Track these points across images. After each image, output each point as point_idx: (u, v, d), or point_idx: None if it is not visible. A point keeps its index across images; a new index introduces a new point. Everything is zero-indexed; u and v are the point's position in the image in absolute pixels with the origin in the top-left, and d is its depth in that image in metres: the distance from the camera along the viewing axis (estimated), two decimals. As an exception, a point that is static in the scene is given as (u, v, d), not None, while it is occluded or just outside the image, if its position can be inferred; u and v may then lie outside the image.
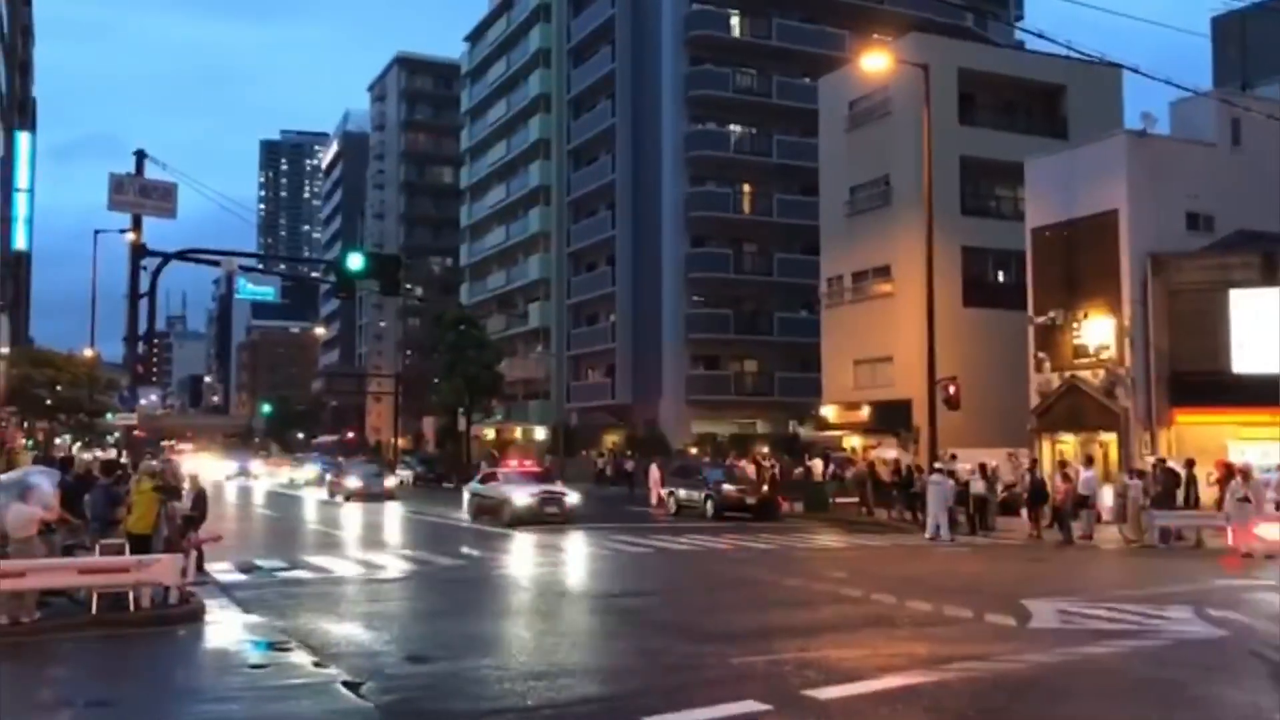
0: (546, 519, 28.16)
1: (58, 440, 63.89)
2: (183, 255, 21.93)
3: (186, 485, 17.11)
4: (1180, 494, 24.52)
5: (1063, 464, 27.52)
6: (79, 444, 69.43)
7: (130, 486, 15.33)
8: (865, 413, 40.12)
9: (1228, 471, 23.31)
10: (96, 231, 47.67)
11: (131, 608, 13.06)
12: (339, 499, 41.34)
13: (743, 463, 36.71)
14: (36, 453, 46.48)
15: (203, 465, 70.56)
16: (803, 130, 51.88)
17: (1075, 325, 31.00)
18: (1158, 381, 29.55)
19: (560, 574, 19.42)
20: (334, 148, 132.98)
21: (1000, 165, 37.89)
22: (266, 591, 16.22)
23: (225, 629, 13.01)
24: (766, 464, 36.97)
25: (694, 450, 48.93)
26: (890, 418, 38.06)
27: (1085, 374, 30.84)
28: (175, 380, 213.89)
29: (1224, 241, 30.94)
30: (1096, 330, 30.58)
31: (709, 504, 31.07)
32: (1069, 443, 31.73)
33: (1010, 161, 35.79)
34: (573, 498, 29.74)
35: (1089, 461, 27.64)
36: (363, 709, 9.04)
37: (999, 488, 27.89)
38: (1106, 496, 26.11)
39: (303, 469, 59.57)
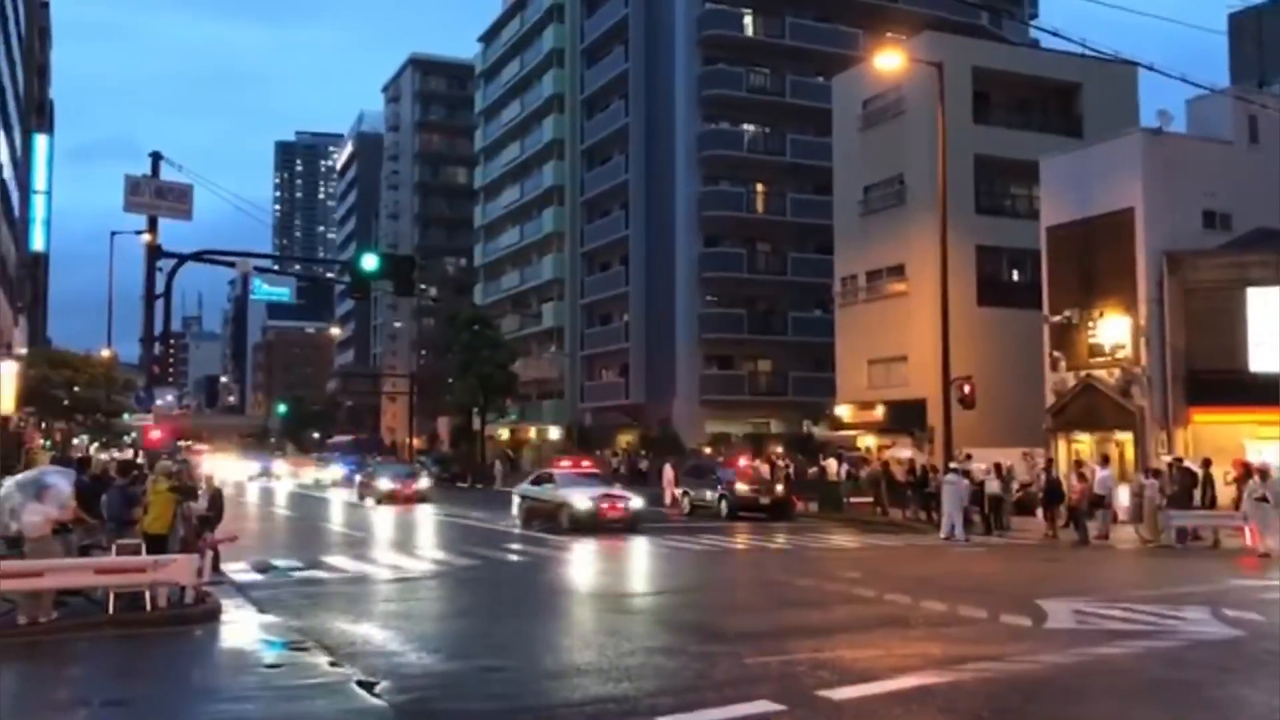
0: (608, 524, 26.36)
1: (75, 440, 64.23)
2: (198, 256, 22.04)
3: (202, 486, 17.19)
4: (1197, 494, 24.37)
5: (1078, 463, 27.40)
6: (96, 444, 69.72)
7: (146, 487, 15.42)
8: (880, 412, 40.03)
9: (1245, 471, 23.18)
10: (113, 233, 47.92)
11: (148, 607, 13.12)
12: (368, 502, 39.73)
13: (756, 462, 36.61)
14: (54, 453, 46.77)
15: (224, 466, 70.74)
16: (816, 129, 51.78)
17: (1091, 324, 30.86)
18: (1174, 380, 29.39)
19: (573, 574, 19.42)
20: (348, 149, 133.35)
21: (1015, 164, 37.73)
22: (282, 591, 16.28)
23: (241, 629, 13.06)
24: (781, 464, 36.89)
25: (708, 450, 48.86)
26: (905, 417, 37.97)
27: (1101, 373, 30.70)
28: (191, 380, 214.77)
29: (1241, 240, 30.76)
30: (1112, 329, 30.44)
31: (723, 504, 31.04)
32: (1085, 442, 31.60)
33: (1025, 160, 35.64)
34: (635, 502, 27.55)
35: (1105, 461, 27.50)
36: (378, 709, 9.06)
37: (1014, 487, 27.77)
38: (1122, 496, 25.99)
39: (328, 469, 58.06)
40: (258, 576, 17.90)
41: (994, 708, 8.93)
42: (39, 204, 51.29)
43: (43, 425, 54.95)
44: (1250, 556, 20.70)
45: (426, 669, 10.69)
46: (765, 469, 35.16)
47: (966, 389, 29.46)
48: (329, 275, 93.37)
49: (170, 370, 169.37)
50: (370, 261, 20.48)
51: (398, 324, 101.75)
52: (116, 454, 53.14)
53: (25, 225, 50.02)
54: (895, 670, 10.20)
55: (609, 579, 18.81)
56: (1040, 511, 26.24)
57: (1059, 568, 19.94)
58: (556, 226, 68.83)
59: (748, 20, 57.66)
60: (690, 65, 56.67)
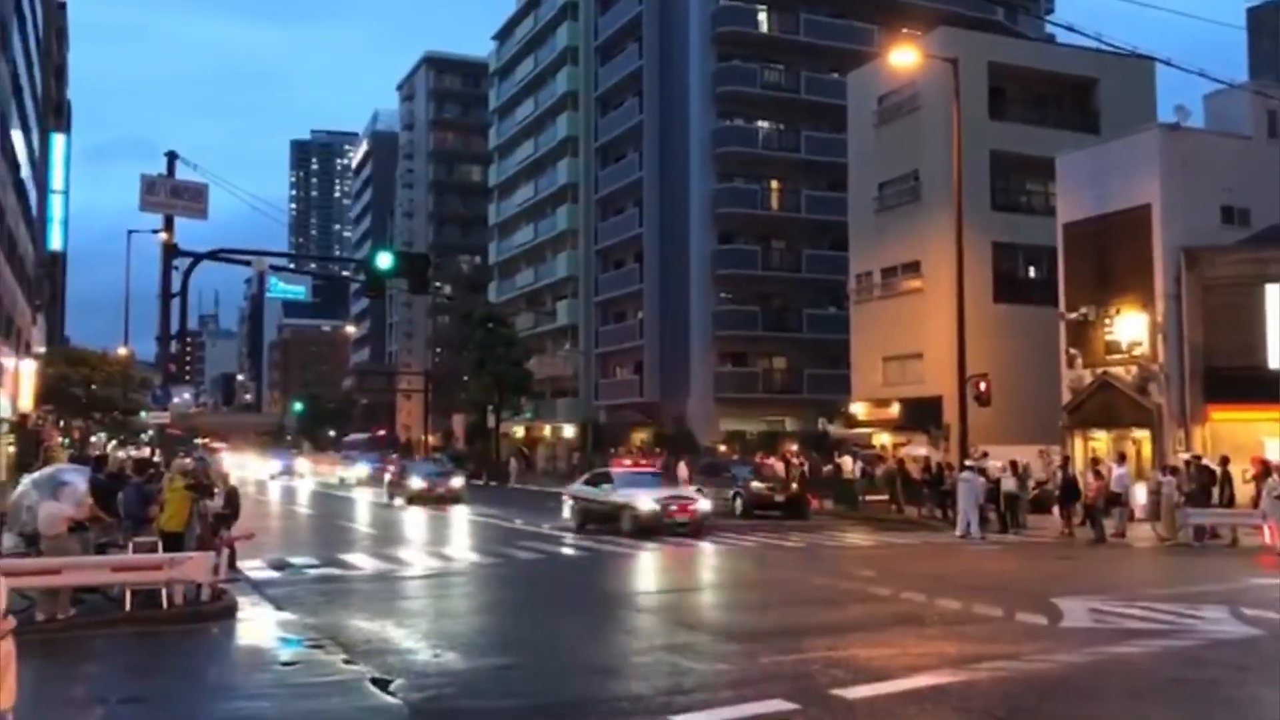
0: (673, 528, 24.61)
1: (93, 438, 64.62)
2: (214, 255, 22.13)
3: (219, 485, 17.26)
4: (1215, 491, 24.21)
5: (1095, 461, 27.26)
6: (114, 442, 70.10)
7: (163, 484, 15.49)
8: (895, 410, 39.92)
9: (1264, 468, 22.99)
10: (130, 232, 48.21)
11: (164, 605, 13.19)
12: (398, 501, 37.66)
13: (771, 460, 36.57)
14: (72, 451, 47.07)
15: (246, 464, 70.95)
16: (831, 126, 51.65)
17: (1108, 321, 30.69)
18: (1192, 377, 29.21)
19: (587, 572, 19.42)
20: (363, 147, 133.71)
21: (1031, 160, 37.54)
22: (298, 589, 16.33)
23: (257, 626, 13.12)
24: (796, 461, 36.83)
25: (722, 448, 48.82)
26: (920, 415, 37.84)
27: (1118, 370, 30.53)
28: (208, 379, 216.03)
29: (1260, 235, 30.52)
30: (1129, 326, 30.27)
31: (738, 502, 30.98)
32: (1101, 440, 31.43)
33: (1041, 156, 35.47)
34: (703, 503, 25.83)
35: (1121, 458, 27.34)
36: (392, 706, 9.07)
37: (1030, 485, 27.65)
38: (1140, 494, 25.84)
39: (353, 468, 56.19)
40: (274, 574, 17.96)
41: (1009, 707, 8.89)
42: (56, 203, 51.67)
43: (61, 423, 55.32)
44: (1269, 555, 20.55)
45: (442, 667, 10.70)
46: (780, 467, 35.12)
47: (982, 386, 29.33)
48: (344, 273, 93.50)
49: (187, 368, 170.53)
50: (385, 260, 20.51)
51: (413, 322, 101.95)
52: (133, 451, 53.45)
53: (43, 225, 50.37)
54: (910, 669, 10.16)
55: (624, 578, 18.80)
56: (1056, 509, 26.11)
57: (1075, 566, 19.83)
58: (570, 224, 68.85)
59: (762, 16, 57.51)
60: (704, 62, 56.58)
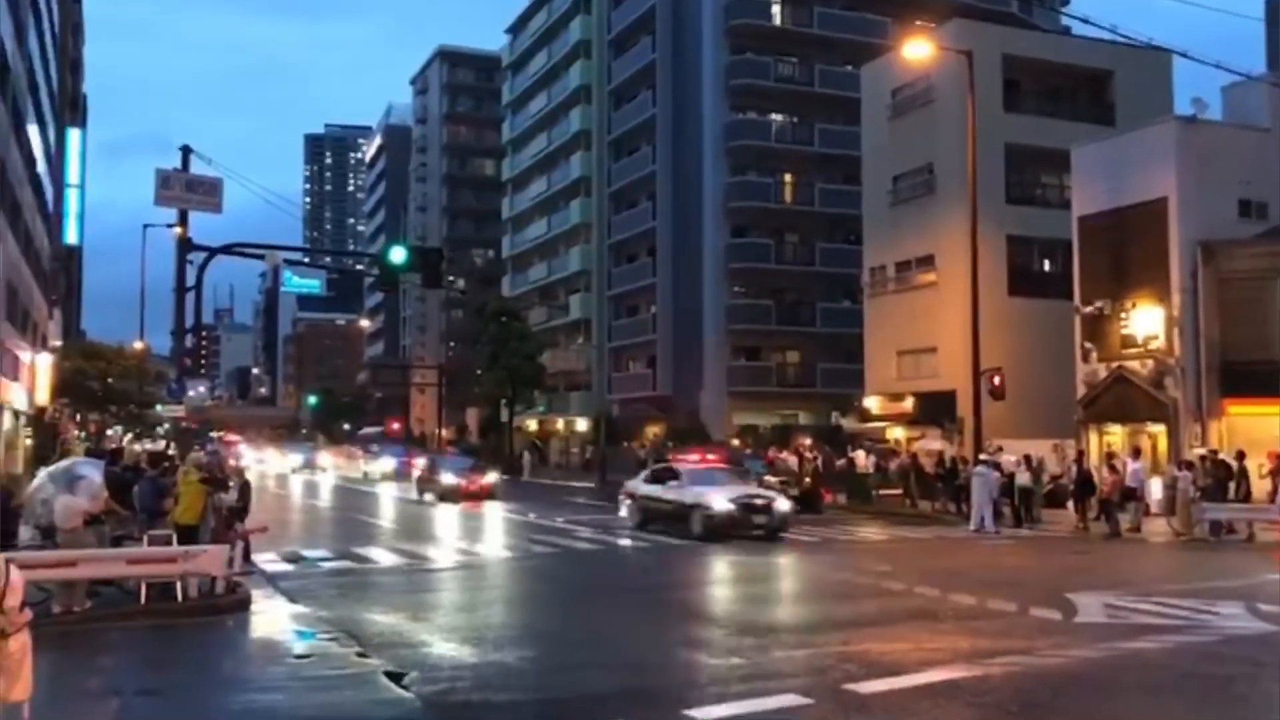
0: (751, 531, 22.58)
1: (109, 431, 64.94)
2: (228, 249, 22.20)
3: (233, 479, 17.33)
4: (1231, 486, 24.08)
5: (1110, 455, 27.17)
6: (130, 435, 70.41)
7: (177, 478, 15.56)
8: (909, 404, 39.82)
9: (1280, 463, 22.89)
10: (145, 226, 48.36)
11: (179, 598, 13.26)
12: (429, 498, 35.80)
13: (784, 454, 36.50)
14: (89, 444, 47.32)
15: (265, 457, 71.00)
16: (845, 119, 51.46)
17: (1123, 315, 30.54)
18: (1208, 371, 29.05)
19: (598, 565, 19.43)
20: (377, 141, 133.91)
21: (1046, 153, 37.35)
22: (312, 582, 16.39)
23: (271, 619, 13.18)
24: (809, 456, 36.75)
25: (735, 442, 48.77)
26: (934, 409, 37.74)
27: (1133, 364, 30.39)
28: (223, 372, 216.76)
29: (1277, 229, 30.32)
30: (1145, 320, 30.11)
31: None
32: (1116, 434, 31.30)
33: (1056, 149, 35.29)
34: (781, 503, 23.59)
35: (1136, 453, 27.21)
36: (404, 700, 9.10)
37: (1044, 479, 27.55)
38: (1155, 488, 25.73)
39: (377, 462, 54.53)
40: (289, 567, 18.02)
41: (1022, 702, 8.87)
42: (72, 198, 51.84)
43: (77, 417, 55.62)
44: (1285, 550, 20.42)
45: (456, 660, 10.72)
46: (794, 461, 35.05)
47: (996, 380, 29.20)
48: (358, 268, 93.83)
49: (202, 362, 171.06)
50: (398, 254, 20.56)
51: (426, 315, 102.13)
52: (149, 445, 53.70)
53: (59, 219, 50.58)
54: (923, 664, 10.13)
55: (636, 573, 18.81)
56: (1071, 504, 26.02)
57: (1090, 561, 19.76)
58: (584, 218, 68.84)
59: (776, 9, 57.30)
60: (718, 55, 56.43)
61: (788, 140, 56.90)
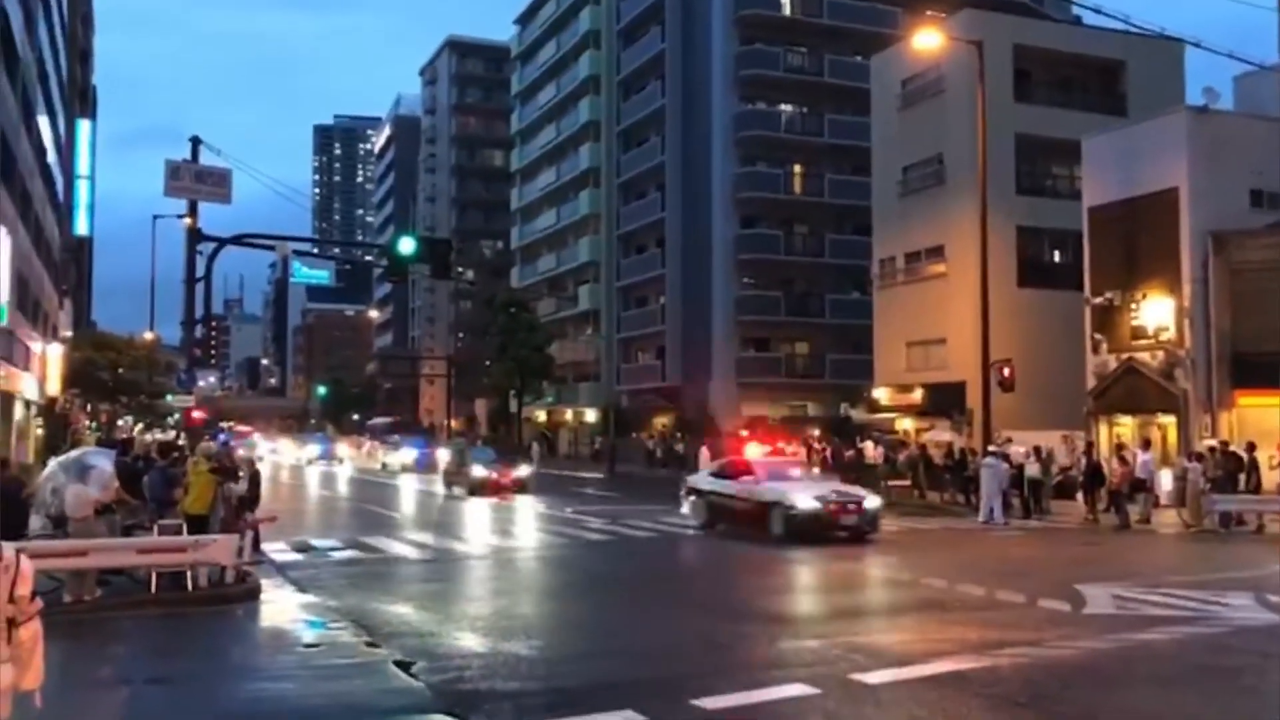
0: (837, 532, 20.48)
1: (120, 422, 65.20)
2: (238, 240, 22.27)
3: (243, 469, 17.38)
4: (1241, 478, 24.00)
5: (1120, 446, 27.07)
6: (140, 425, 70.67)
7: (187, 468, 15.62)
8: (918, 395, 39.75)
9: (1291, 455, 22.80)
10: (155, 217, 48.53)
11: (189, 587, 13.32)
12: (457, 491, 34.04)
13: (792, 444, 36.50)
14: (99, 434, 47.53)
15: (279, 448, 70.92)
16: (855, 109, 51.32)
17: (1133, 306, 30.42)
18: (1219, 363, 28.93)
19: (608, 555, 19.45)
20: (386, 132, 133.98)
21: (1057, 143, 37.19)
22: (321, 572, 16.45)
23: (280, 608, 13.23)
24: (818, 447, 36.74)
25: (744, 433, 48.77)
26: (943, 400, 37.68)
27: (1144, 355, 30.28)
28: (233, 363, 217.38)
29: (1289, 219, 30.16)
30: (1155, 311, 29.99)
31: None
32: (1126, 425, 31.21)
33: (1067, 139, 35.12)
34: (871, 501, 21.58)
35: (1146, 444, 27.14)
36: (414, 688, 9.13)
37: (1054, 471, 27.49)
38: (1165, 480, 25.65)
39: (396, 453, 53.02)
40: (298, 556, 18.08)
41: (1031, 693, 8.85)
42: (83, 189, 51.98)
43: (88, 407, 55.84)
44: (1296, 542, 20.36)
45: (464, 649, 10.75)
46: (803, 452, 35.05)
47: (1006, 371, 29.12)
48: (367, 258, 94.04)
49: (212, 352, 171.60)
50: (407, 245, 20.59)
51: (435, 306, 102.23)
52: (159, 435, 53.92)
53: (69, 210, 50.71)
54: (931, 654, 10.13)
55: (646, 561, 18.81)
56: (1080, 495, 25.96)
57: (1099, 552, 19.72)
58: (593, 209, 68.81)
59: (785, -1, 57.21)
60: (727, 45, 56.29)
61: (797, 131, 56.79)
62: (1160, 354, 29.81)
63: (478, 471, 33.79)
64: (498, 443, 61.39)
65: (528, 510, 28.39)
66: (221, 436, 34.22)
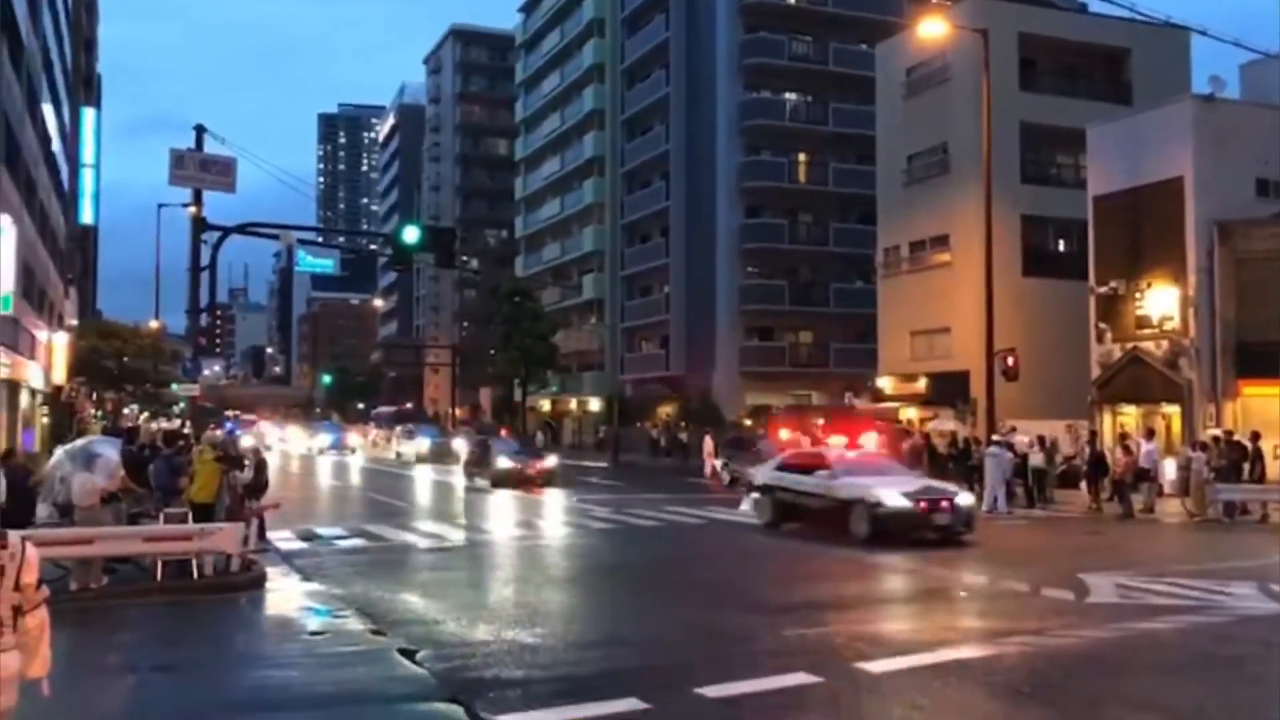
0: (928, 532, 18.37)
1: (126, 410, 65.33)
2: (242, 229, 22.28)
3: (248, 457, 17.43)
4: (1246, 467, 23.98)
5: (1124, 436, 27.06)
6: (146, 414, 70.81)
7: (192, 456, 15.67)
8: (922, 384, 39.75)
9: (1296, 444, 22.78)
10: (160, 205, 48.54)
11: (195, 575, 13.38)
12: (480, 483, 32.34)
13: (797, 434, 36.40)
14: (105, 423, 47.65)
15: (288, 437, 70.74)
16: (859, 98, 51.16)
17: (1138, 295, 30.38)
18: (1223, 352, 28.90)
19: (614, 544, 19.49)
20: (390, 120, 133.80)
21: (1062, 132, 37.09)
22: (326, 560, 16.50)
23: (285, 596, 13.28)
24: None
25: (748, 422, 48.79)
26: (948, 389, 37.66)
27: (1148, 345, 30.25)
28: (238, 351, 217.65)
29: (1295, 208, 30.08)
30: (1160, 300, 29.95)
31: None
32: (1130, 415, 31.19)
33: (1072, 128, 35.02)
34: (964, 497, 19.57)
35: (1150, 434, 27.12)
36: (418, 676, 9.17)
37: (1058, 460, 27.48)
38: (1169, 469, 25.64)
39: (411, 443, 51.98)
40: (303, 545, 18.13)
41: (1034, 682, 8.87)
42: (87, 177, 52.03)
43: (93, 395, 55.94)
44: (1300, 531, 20.35)
45: (468, 638, 10.78)
46: (806, 441, 34.98)
47: (1010, 361, 29.09)
48: (372, 247, 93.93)
49: (217, 341, 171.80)
50: (412, 234, 20.60)
51: (440, 295, 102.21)
52: (164, 423, 54.00)
53: (74, 198, 50.74)
54: (934, 643, 10.15)
55: (649, 550, 18.84)
56: (1084, 484, 25.96)
57: (1102, 541, 19.71)
58: (597, 198, 68.73)
59: (790, -13, 56.97)
60: (732, 33, 56.12)
61: (802, 119, 56.62)
62: (1165, 343, 29.78)
63: (501, 463, 32.33)
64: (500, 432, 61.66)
65: (551, 502, 28.21)
66: (228, 425, 34.34)
